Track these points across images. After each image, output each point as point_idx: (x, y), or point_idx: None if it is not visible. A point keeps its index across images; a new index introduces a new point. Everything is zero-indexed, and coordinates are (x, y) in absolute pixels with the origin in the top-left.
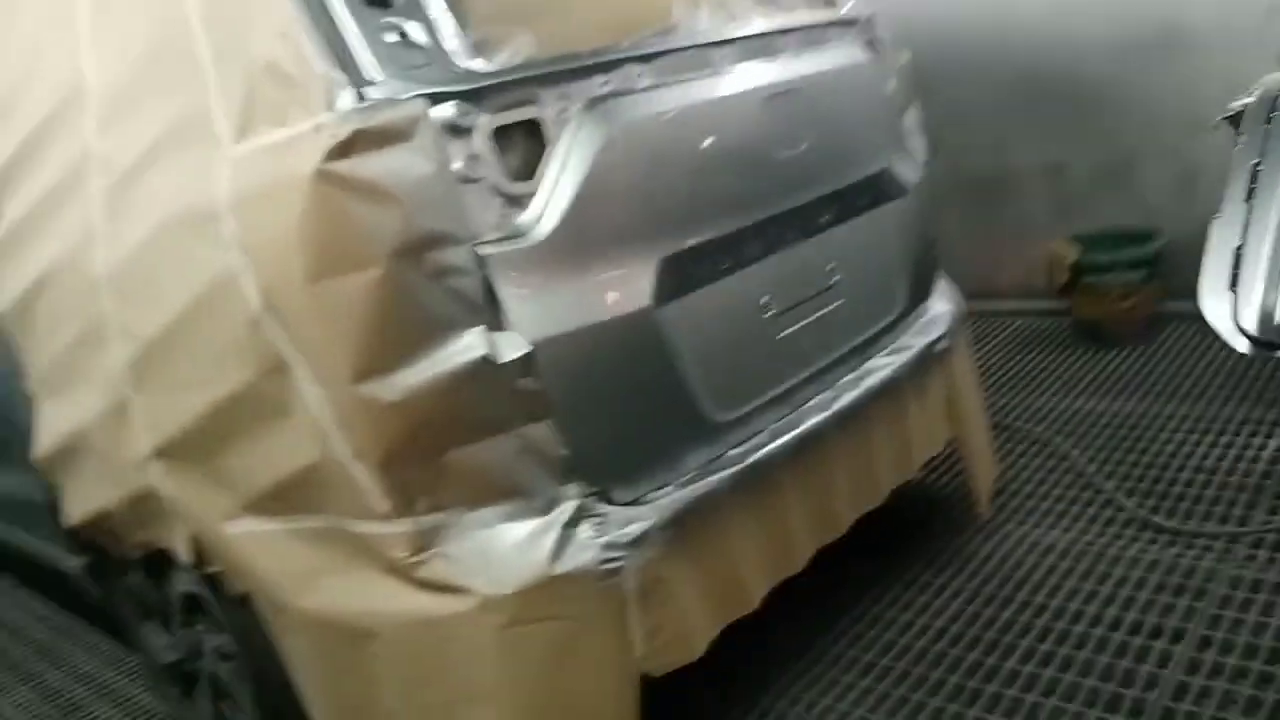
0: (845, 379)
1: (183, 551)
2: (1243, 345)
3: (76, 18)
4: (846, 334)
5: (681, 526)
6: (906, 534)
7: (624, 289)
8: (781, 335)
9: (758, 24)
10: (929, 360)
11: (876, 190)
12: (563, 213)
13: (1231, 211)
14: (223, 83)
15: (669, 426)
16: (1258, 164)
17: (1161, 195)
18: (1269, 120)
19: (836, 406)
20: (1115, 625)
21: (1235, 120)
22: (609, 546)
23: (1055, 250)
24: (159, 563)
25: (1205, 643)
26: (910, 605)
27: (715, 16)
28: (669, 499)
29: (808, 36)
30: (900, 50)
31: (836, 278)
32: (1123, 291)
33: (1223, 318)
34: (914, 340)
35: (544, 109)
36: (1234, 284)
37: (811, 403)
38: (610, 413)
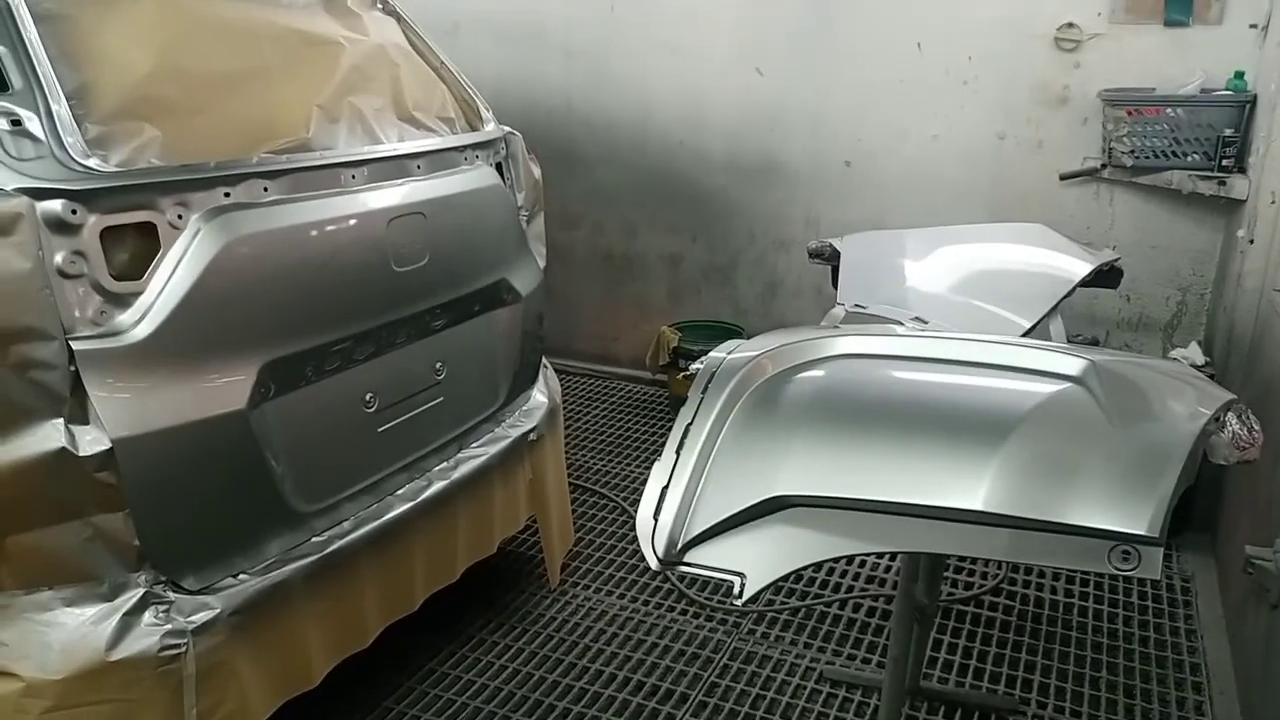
0: (439, 467)
1: None
2: (654, 563)
3: None
4: (446, 426)
5: (251, 612)
6: (486, 598)
7: (220, 392)
8: (383, 429)
9: (393, 146)
10: (520, 449)
11: (491, 298)
12: (165, 317)
13: (665, 457)
14: None
15: (251, 519)
16: (690, 424)
17: (750, 298)
18: (704, 390)
19: (426, 494)
20: (637, 689)
21: (817, 254)
22: (171, 634)
23: (663, 333)
24: None
25: (701, 707)
26: (474, 665)
27: (352, 135)
28: (241, 587)
29: (441, 159)
30: (533, 164)
31: (442, 375)
32: None
33: (645, 538)
34: (509, 431)
35: (160, 214)
36: (657, 514)
37: (401, 491)
38: (190, 506)
